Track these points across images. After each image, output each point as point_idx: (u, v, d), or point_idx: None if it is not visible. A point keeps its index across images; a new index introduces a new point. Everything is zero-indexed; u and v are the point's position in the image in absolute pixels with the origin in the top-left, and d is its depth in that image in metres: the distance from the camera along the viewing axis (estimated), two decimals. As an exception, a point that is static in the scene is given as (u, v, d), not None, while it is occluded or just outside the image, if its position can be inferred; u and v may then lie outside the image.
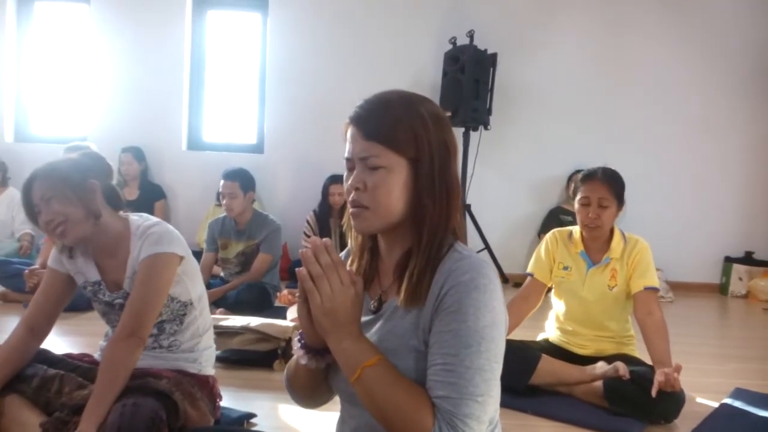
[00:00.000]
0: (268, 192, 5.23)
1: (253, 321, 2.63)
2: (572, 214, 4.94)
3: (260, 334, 2.56)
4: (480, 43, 4.78)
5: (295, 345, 1.12)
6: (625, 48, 5.28)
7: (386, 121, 1.04)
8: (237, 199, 3.60)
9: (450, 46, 4.89)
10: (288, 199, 5.31)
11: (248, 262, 3.68)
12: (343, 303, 1.00)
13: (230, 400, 2.09)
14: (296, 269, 1.02)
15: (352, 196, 1.07)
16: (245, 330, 2.56)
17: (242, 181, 3.63)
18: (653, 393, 2.05)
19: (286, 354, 2.62)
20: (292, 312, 3.00)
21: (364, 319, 1.08)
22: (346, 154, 1.08)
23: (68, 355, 1.80)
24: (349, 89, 5.14)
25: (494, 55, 4.85)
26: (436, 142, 1.06)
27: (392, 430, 0.98)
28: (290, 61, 5.30)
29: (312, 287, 0.99)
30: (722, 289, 5.31)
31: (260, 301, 3.53)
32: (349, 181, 1.07)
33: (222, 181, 3.67)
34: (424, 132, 1.04)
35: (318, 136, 5.27)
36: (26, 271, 3.52)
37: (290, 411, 2.14)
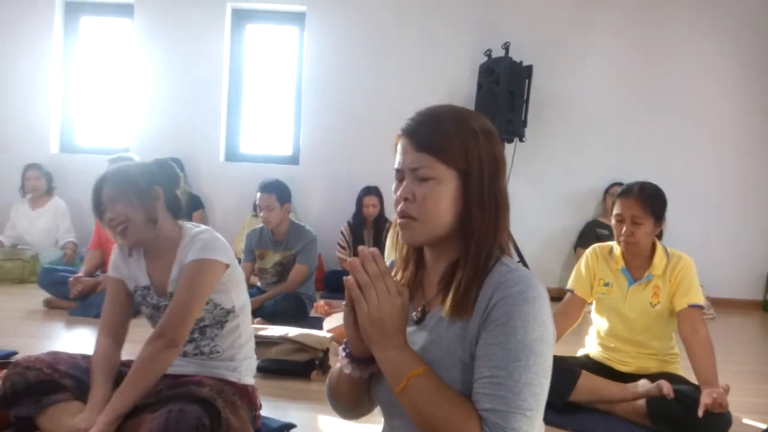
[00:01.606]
0: (303, 203, 5.28)
1: (291, 331, 2.65)
2: (609, 227, 4.88)
3: (298, 345, 2.58)
4: (515, 55, 4.77)
5: (340, 353, 1.13)
6: (662, 61, 5.21)
7: (438, 133, 1.05)
8: (274, 211, 3.64)
9: (485, 59, 4.89)
10: (323, 210, 5.35)
11: (285, 272, 3.72)
12: (390, 312, 1.00)
13: (269, 410, 2.11)
14: (344, 278, 1.03)
15: (400, 206, 1.07)
16: (283, 340, 2.58)
17: (279, 193, 3.67)
18: (700, 413, 1.99)
19: (324, 364, 2.63)
20: (329, 322, 3.02)
21: (407, 329, 1.08)
22: (396, 165, 1.09)
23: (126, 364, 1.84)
24: (383, 102, 5.18)
25: (530, 67, 4.83)
26: (486, 155, 1.06)
27: (437, 442, 0.97)
28: (326, 74, 5.37)
29: (359, 296, 1.00)
30: (765, 306, 5.15)
31: (296, 311, 3.56)
32: (399, 192, 1.08)
33: (259, 194, 3.72)
34: (474, 145, 1.05)
35: (353, 148, 5.32)
36: (71, 278, 3.62)
37: (329, 422, 2.15)
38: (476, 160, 1.05)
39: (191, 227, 1.84)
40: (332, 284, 4.71)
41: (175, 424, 1.43)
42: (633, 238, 2.32)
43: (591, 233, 5.00)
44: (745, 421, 2.38)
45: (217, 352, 1.81)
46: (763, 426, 2.35)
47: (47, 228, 4.89)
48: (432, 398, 0.98)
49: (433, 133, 1.05)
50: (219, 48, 5.43)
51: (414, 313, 1.13)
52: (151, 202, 1.75)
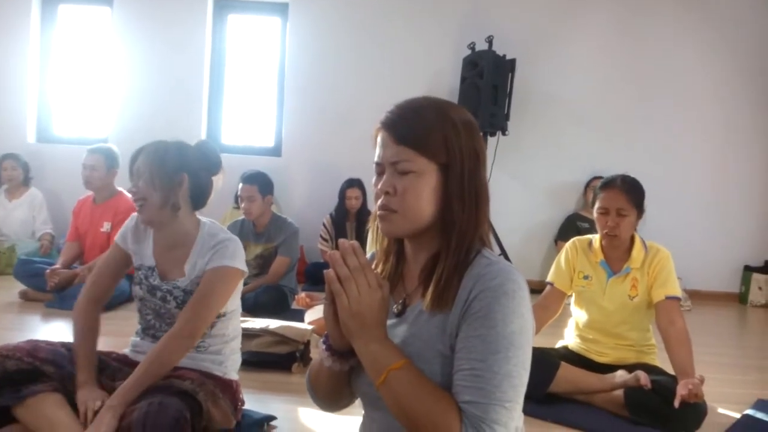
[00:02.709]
0: (285, 195, 5.26)
1: (272, 323, 2.64)
2: (590, 221, 4.95)
3: (279, 337, 2.57)
4: (499, 49, 4.77)
5: (320, 346, 1.13)
6: (645, 55, 5.26)
7: (418, 126, 1.05)
8: (255, 202, 3.62)
9: (469, 52, 4.89)
10: (305, 202, 5.33)
11: (266, 264, 3.70)
12: (370, 306, 1.00)
13: (250, 402, 2.09)
14: (324, 271, 1.03)
15: (381, 200, 1.07)
16: (264, 332, 2.57)
17: (261, 184, 3.65)
18: (676, 404, 2.03)
19: (305, 357, 2.63)
20: (310, 315, 3.01)
21: (388, 322, 1.08)
22: (376, 159, 1.09)
23: (99, 352, 1.82)
24: (366, 94, 5.16)
25: (513, 61, 4.84)
26: (466, 148, 1.06)
27: (417, 434, 0.98)
28: (309, 65, 5.34)
29: (339, 289, 1.00)
30: (741, 298, 5.24)
31: (278, 304, 3.55)
32: (379, 185, 1.08)
33: (240, 185, 3.69)
34: (455, 138, 1.05)
35: (335, 140, 5.30)
36: (47, 270, 3.56)
37: (310, 414, 2.15)
38: (457, 153, 1.05)
39: (210, 225, 1.84)
40: (314, 277, 4.69)
41: (155, 417, 1.43)
42: (618, 230, 2.34)
43: (572, 226, 5.04)
44: (720, 410, 2.43)
45: (204, 346, 1.82)
46: (738, 415, 2.40)
47: (24, 219, 4.80)
48: (412, 391, 0.98)
49: (413, 126, 1.05)
50: (201, 38, 5.37)
51: (395, 306, 1.13)
52: (173, 188, 1.75)
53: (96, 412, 1.54)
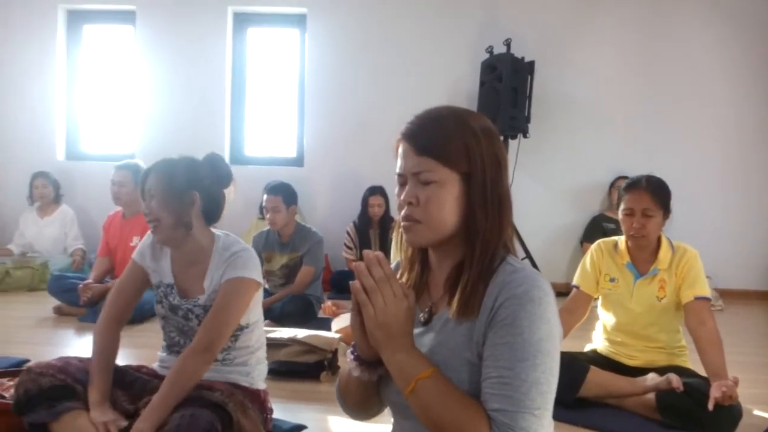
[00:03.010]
0: (308, 204, 5.30)
1: (300, 333, 2.67)
2: (615, 221, 4.88)
3: (307, 346, 2.59)
4: (517, 52, 4.76)
5: (348, 357, 1.14)
6: (664, 55, 5.19)
7: (438, 136, 1.06)
8: (280, 213, 3.66)
9: (487, 55, 4.89)
10: (328, 211, 5.36)
11: (292, 274, 3.73)
12: (396, 315, 1.01)
13: (279, 412, 2.11)
14: (350, 282, 1.04)
15: (404, 210, 1.08)
16: (292, 342, 2.60)
17: (285, 195, 3.68)
18: (710, 406, 2.00)
19: (333, 365, 2.64)
20: (337, 323, 3.03)
21: (414, 331, 1.09)
22: (397, 170, 1.10)
23: (129, 367, 1.87)
24: (386, 101, 5.19)
25: (531, 63, 4.82)
26: (487, 156, 1.07)
27: (447, 443, 0.98)
28: (328, 75, 5.38)
29: (365, 300, 1.01)
30: (775, 296, 5.12)
31: (304, 313, 3.58)
32: (402, 196, 1.09)
33: (265, 196, 3.73)
34: (476, 146, 1.06)
35: (356, 149, 5.33)
36: (80, 285, 3.64)
37: (340, 422, 2.16)
38: (478, 161, 1.06)
39: (224, 237, 1.85)
40: (339, 285, 4.72)
41: (186, 429, 1.45)
42: (644, 231, 2.31)
43: (597, 227, 4.99)
44: (756, 412, 2.38)
45: (230, 359, 1.83)
46: (774, 417, 2.35)
47: (56, 236, 4.92)
48: (440, 400, 0.98)
49: (433, 137, 1.06)
50: (221, 52, 5.45)
51: (421, 315, 1.14)
52: (185, 208, 1.77)
53: None
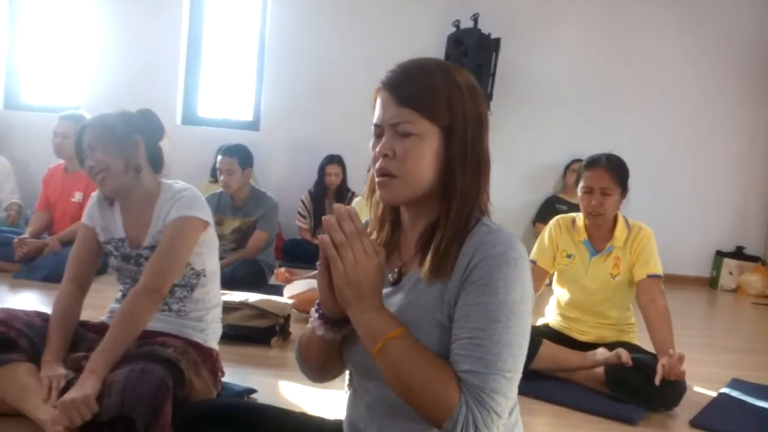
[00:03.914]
0: (262, 170, 5.15)
1: (252, 297, 2.60)
2: (568, 203, 4.99)
3: (258, 310, 2.52)
4: (484, 27, 4.74)
5: (313, 315, 1.09)
6: (628, 39, 5.26)
7: (422, 86, 1.01)
8: (235, 175, 3.55)
9: (453, 29, 4.84)
10: (283, 178, 5.24)
11: (244, 238, 3.63)
12: (367, 273, 0.96)
13: (229, 375, 2.04)
14: (319, 236, 0.99)
15: (379, 163, 1.03)
16: (244, 305, 2.53)
17: (241, 157, 3.57)
18: (657, 381, 2.05)
19: (284, 331, 2.59)
20: (290, 290, 2.97)
21: (383, 291, 1.05)
22: (375, 120, 1.05)
23: (82, 324, 1.78)
24: (348, 68, 5.08)
25: (498, 40, 4.80)
26: (471, 112, 1.03)
27: (416, 405, 0.95)
28: (289, 38, 5.22)
29: (335, 255, 0.96)
30: (712, 282, 5.35)
31: (255, 279, 3.49)
32: (377, 148, 1.03)
33: (220, 157, 3.61)
34: (459, 100, 1.02)
35: (316, 116, 5.21)
36: (16, 240, 3.44)
37: (290, 387, 2.12)
38: (461, 116, 1.02)
39: (171, 183, 1.82)
40: (291, 253, 4.64)
41: (135, 383, 1.38)
42: (602, 209, 2.34)
43: (550, 208, 5.06)
44: (697, 389, 2.46)
45: (185, 311, 1.78)
46: (714, 394, 2.44)
47: (-10, 188, 4.63)
48: (410, 360, 0.95)
49: (416, 87, 1.01)
50: (178, 6, 5.19)
51: (390, 275, 1.10)
52: (130, 151, 1.74)
53: (62, 390, 1.48)
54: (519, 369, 0.97)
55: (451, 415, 0.91)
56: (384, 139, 1.03)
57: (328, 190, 4.85)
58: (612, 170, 2.36)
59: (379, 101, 1.05)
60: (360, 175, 4.49)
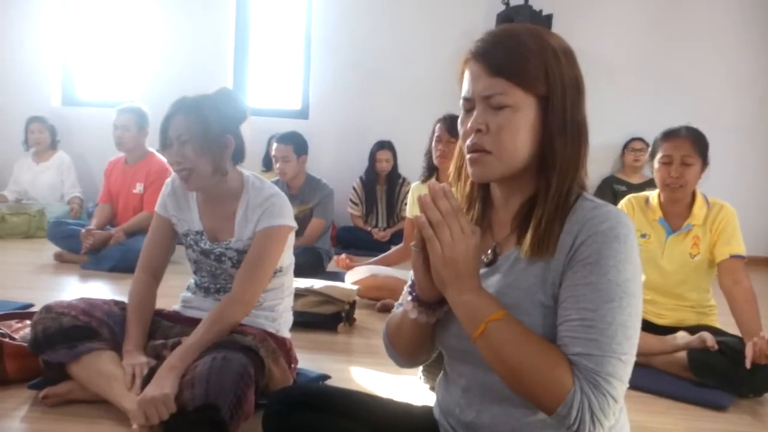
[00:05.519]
0: (312, 158, 5.04)
1: (317, 283, 2.59)
2: (626, 183, 4.84)
3: (324, 296, 2.51)
4: (535, 4, 4.59)
5: (406, 297, 1.06)
6: (685, 10, 5.02)
7: (515, 54, 0.95)
8: (290, 162, 3.55)
9: (503, 7, 4.71)
10: (333, 165, 5.23)
11: (301, 226, 3.62)
12: (464, 253, 0.92)
13: (300, 362, 2.02)
14: (415, 216, 0.96)
15: (471, 139, 0.98)
16: (309, 292, 2.51)
17: (296, 144, 3.57)
18: (747, 364, 1.94)
19: (350, 317, 2.57)
20: (352, 276, 2.95)
21: (479, 272, 1.00)
22: (464, 94, 1.00)
23: (157, 312, 1.79)
24: (395, 54, 5.01)
25: (549, 17, 4.66)
26: (568, 78, 0.97)
27: (525, 390, 0.90)
28: (335, 25, 5.18)
29: (431, 235, 0.92)
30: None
31: (314, 265, 3.50)
32: (469, 123, 0.98)
33: (275, 145, 3.62)
34: (556, 67, 0.96)
35: (364, 102, 5.17)
36: (83, 231, 3.51)
37: (361, 373, 2.09)
38: (558, 83, 0.96)
39: (254, 180, 1.76)
40: (344, 240, 4.64)
41: (219, 371, 1.37)
42: (682, 180, 2.22)
43: (608, 189, 4.91)
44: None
45: (260, 302, 1.76)
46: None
47: (52, 182, 4.78)
48: (515, 343, 0.90)
49: (509, 55, 0.95)
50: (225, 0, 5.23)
51: (484, 256, 1.05)
52: (221, 153, 1.67)
53: (145, 378, 1.50)
54: (633, 352, 0.92)
55: (565, 401, 0.86)
56: (476, 113, 0.97)
57: (379, 176, 4.82)
58: (693, 140, 2.25)
59: (467, 73, 1.00)
60: (410, 160, 4.44)
